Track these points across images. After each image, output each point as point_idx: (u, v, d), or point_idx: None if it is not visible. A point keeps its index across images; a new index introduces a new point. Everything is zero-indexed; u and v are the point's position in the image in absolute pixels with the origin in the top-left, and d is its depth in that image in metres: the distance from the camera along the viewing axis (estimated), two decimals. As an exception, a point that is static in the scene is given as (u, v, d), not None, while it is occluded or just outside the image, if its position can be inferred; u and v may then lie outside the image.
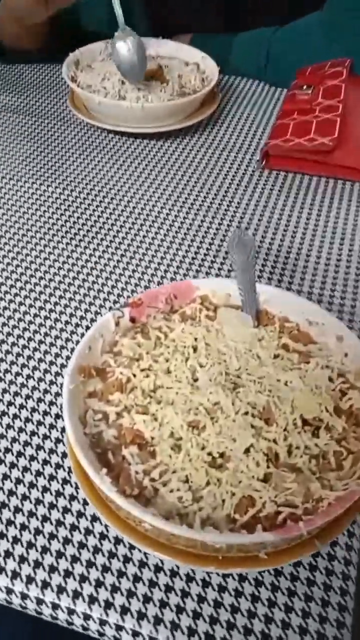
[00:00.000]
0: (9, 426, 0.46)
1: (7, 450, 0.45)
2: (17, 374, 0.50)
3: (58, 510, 0.42)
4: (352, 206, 0.68)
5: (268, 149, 0.72)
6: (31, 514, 0.41)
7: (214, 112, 0.81)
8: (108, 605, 0.37)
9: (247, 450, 0.39)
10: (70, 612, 0.38)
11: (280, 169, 0.73)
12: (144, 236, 0.64)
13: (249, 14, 0.94)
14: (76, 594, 0.38)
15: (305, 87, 0.79)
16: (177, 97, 0.75)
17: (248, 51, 0.89)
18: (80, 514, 0.41)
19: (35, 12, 0.80)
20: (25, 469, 0.44)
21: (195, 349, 0.45)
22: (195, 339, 0.46)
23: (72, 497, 0.42)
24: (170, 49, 0.86)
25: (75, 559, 0.39)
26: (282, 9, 0.91)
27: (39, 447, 0.45)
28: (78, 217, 0.66)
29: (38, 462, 0.44)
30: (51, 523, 0.41)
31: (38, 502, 0.42)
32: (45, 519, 0.41)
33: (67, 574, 0.39)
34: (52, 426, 0.47)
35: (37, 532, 0.41)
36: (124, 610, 0.37)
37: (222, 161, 0.75)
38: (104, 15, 0.79)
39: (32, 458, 0.44)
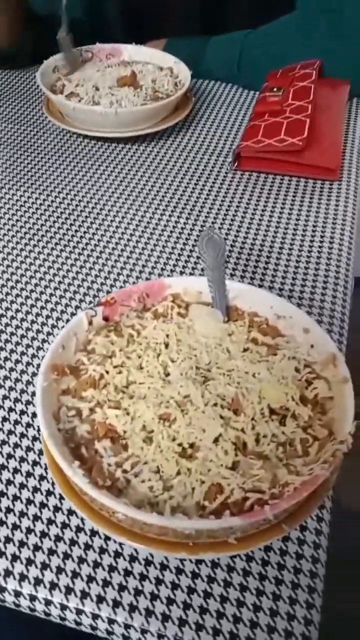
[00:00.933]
0: (-14, 426, 0.48)
1: (-15, 449, 0.46)
2: (-5, 375, 0.51)
3: (35, 506, 0.43)
4: (322, 204, 0.69)
5: (240, 151, 0.74)
6: (9, 510, 0.42)
7: (188, 115, 0.82)
8: (84, 595, 0.38)
9: (216, 440, 0.40)
10: (48, 602, 0.39)
11: (252, 170, 0.75)
12: (119, 238, 0.65)
13: (225, 18, 0.96)
14: (53, 586, 0.39)
15: (275, 89, 0.81)
16: (150, 102, 0.77)
17: (221, 54, 0.91)
18: (57, 509, 0.42)
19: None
20: (3, 467, 0.45)
21: (167, 345, 0.47)
22: (167, 336, 0.47)
23: (49, 493, 0.43)
24: (144, 55, 0.87)
25: (52, 552, 0.40)
26: (256, 13, 0.93)
27: (16, 445, 0.46)
28: (54, 221, 0.68)
29: (15, 459, 0.45)
30: (28, 518, 0.42)
31: (15, 498, 0.43)
32: (22, 514, 0.42)
33: (44, 566, 0.40)
34: (29, 425, 0.48)
35: (15, 527, 0.41)
36: (100, 599, 0.38)
37: (196, 163, 0.76)
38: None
39: (10, 456, 0.45)
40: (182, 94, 0.78)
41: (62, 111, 0.80)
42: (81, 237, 0.65)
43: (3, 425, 0.47)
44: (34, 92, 0.91)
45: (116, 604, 0.38)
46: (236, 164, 0.75)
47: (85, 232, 0.66)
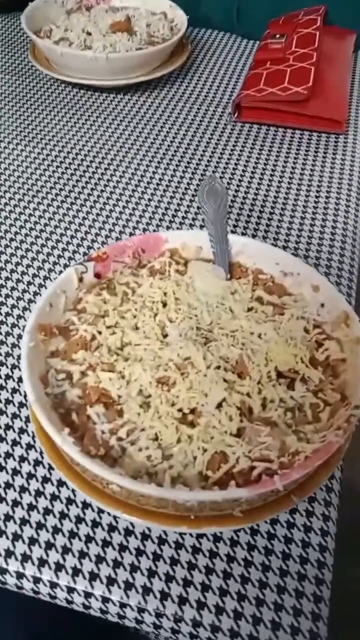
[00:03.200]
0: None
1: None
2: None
3: (22, 477, 0.39)
4: (328, 157, 0.65)
5: (240, 100, 0.69)
6: (-6, 481, 0.39)
7: (184, 64, 0.77)
8: (76, 572, 0.35)
9: (219, 405, 0.37)
10: (36, 580, 0.36)
11: (253, 121, 0.70)
12: (112, 190, 0.61)
13: None
14: (42, 562, 0.36)
15: (278, 36, 0.76)
16: (145, 47, 0.71)
17: (218, 0, 0.85)
18: (45, 479, 0.39)
19: None
20: (-13, 435, 0.41)
21: (164, 304, 0.43)
22: (165, 294, 0.43)
23: (37, 462, 0.40)
24: (135, 0, 0.81)
25: (40, 526, 0.37)
26: None
27: (0, 412, 0.43)
28: (41, 173, 0.63)
29: (0, 427, 0.42)
30: (14, 490, 0.39)
31: (0, 468, 0.40)
32: (8, 485, 0.39)
33: (32, 541, 0.36)
34: (14, 390, 0.44)
35: (0, 499, 0.38)
36: (93, 577, 0.35)
37: (193, 113, 0.71)
38: None
39: (-5, 423, 0.42)
40: (178, 38, 0.73)
41: (49, 58, 0.74)
42: (71, 189, 0.61)
43: (-13, 390, 0.44)
44: (18, 37, 0.85)
45: (111, 581, 0.35)
46: (236, 114, 0.70)
47: (76, 184, 0.62)
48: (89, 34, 0.73)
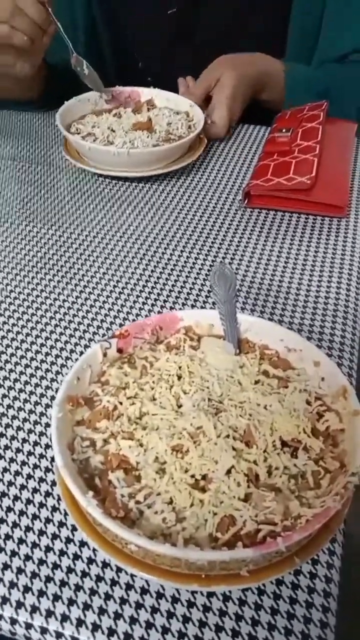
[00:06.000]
0: None
1: (-1, 479, 0.46)
2: (9, 406, 0.52)
3: (47, 537, 0.43)
4: (330, 240, 0.71)
5: (249, 189, 0.76)
6: (21, 541, 0.43)
7: (200, 157, 0.84)
8: (95, 627, 0.38)
9: (228, 472, 0.40)
10: (59, 635, 0.38)
11: (261, 207, 0.76)
12: (132, 272, 0.67)
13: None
14: (64, 618, 0.39)
15: (284, 130, 0.83)
16: (162, 143, 0.80)
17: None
18: (69, 540, 0.43)
19: (22, 64, 0.84)
20: (16, 498, 0.45)
21: (179, 377, 0.47)
22: (180, 368, 0.48)
23: (61, 524, 0.44)
24: (161, 99, 0.91)
25: (63, 583, 0.40)
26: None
27: (29, 476, 0.47)
28: (69, 256, 0.69)
29: (28, 490, 0.46)
30: (40, 549, 0.42)
31: (28, 529, 0.43)
32: (34, 545, 0.42)
33: (56, 597, 0.40)
34: (42, 456, 0.48)
35: (27, 558, 0.42)
36: (111, 632, 0.38)
37: (207, 201, 0.78)
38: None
39: (23, 487, 0.46)
40: (194, 136, 0.81)
41: (79, 151, 0.83)
42: (95, 271, 0.67)
43: (17, 456, 0.48)
44: (50, 132, 0.94)
45: (127, 636, 0.38)
46: (246, 201, 0.77)
47: (99, 267, 0.68)
48: (112, 131, 0.82)
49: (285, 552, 0.37)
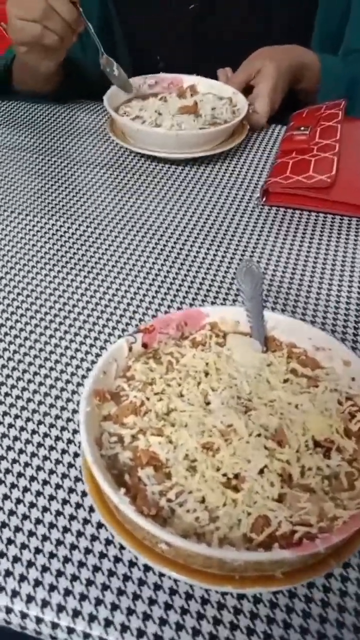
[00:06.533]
0: (21, 451, 0.47)
1: (20, 474, 0.45)
2: (29, 399, 0.51)
3: (72, 534, 0.42)
4: (350, 239, 0.70)
5: (268, 187, 0.75)
6: (45, 538, 0.41)
7: (242, 142, 0.87)
8: (124, 628, 0.37)
9: (261, 471, 0.39)
10: (86, 636, 0.37)
11: (279, 205, 0.76)
12: (154, 264, 0.66)
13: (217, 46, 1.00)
14: (92, 618, 0.38)
15: (302, 128, 0.83)
16: (208, 127, 0.81)
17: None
18: (94, 538, 0.42)
19: (47, 62, 0.84)
20: (39, 494, 0.44)
21: (206, 374, 0.46)
22: (207, 364, 0.47)
23: (86, 521, 0.42)
24: (204, 85, 0.92)
25: (90, 583, 0.39)
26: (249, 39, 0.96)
27: (51, 472, 0.45)
28: (90, 245, 0.68)
29: (51, 486, 0.44)
30: (65, 547, 0.41)
31: (52, 525, 0.42)
32: (59, 542, 0.41)
33: (83, 597, 0.39)
34: (64, 451, 0.47)
35: (52, 555, 0.41)
36: (140, 634, 0.37)
37: (223, 199, 0.77)
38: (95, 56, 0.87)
39: (45, 482, 0.45)
40: (240, 120, 0.83)
41: (125, 132, 0.85)
42: (116, 261, 0.67)
43: (38, 450, 0.47)
44: (67, 124, 0.93)
45: (157, 638, 0.37)
46: (264, 199, 0.76)
47: (120, 256, 0.67)
48: (159, 114, 0.83)
49: (321, 554, 0.36)
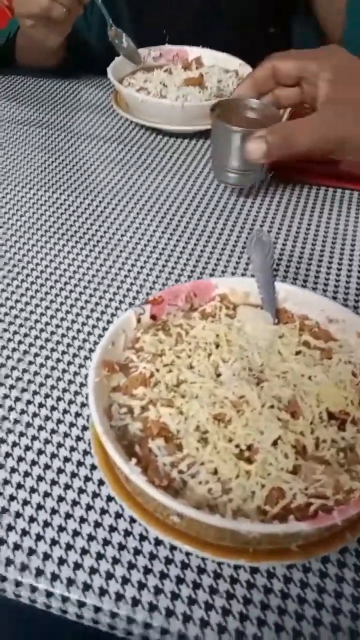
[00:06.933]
0: (28, 424, 0.46)
1: (28, 448, 0.44)
2: (36, 372, 0.50)
3: (81, 507, 0.41)
4: (362, 212, 0.69)
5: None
6: (54, 511, 0.41)
7: None
8: (135, 602, 0.37)
9: (274, 443, 0.38)
10: (97, 610, 0.37)
11: (288, 180, 0.74)
12: (161, 237, 0.64)
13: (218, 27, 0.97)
14: (102, 592, 0.37)
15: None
16: (214, 99, 0.79)
17: None
18: (104, 511, 0.41)
19: (54, 36, 0.83)
20: (47, 467, 0.43)
21: (217, 345, 0.45)
22: (217, 336, 0.46)
23: (95, 495, 0.42)
24: (209, 57, 0.90)
25: (100, 556, 0.38)
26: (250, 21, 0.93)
27: (59, 445, 0.45)
28: (95, 219, 0.67)
29: (59, 459, 0.44)
30: (75, 520, 0.40)
31: (60, 499, 0.41)
32: (68, 516, 0.40)
33: (93, 571, 0.38)
34: (72, 424, 0.46)
35: (61, 529, 0.40)
36: (152, 608, 0.36)
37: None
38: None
39: (54, 455, 0.44)
40: None
41: (129, 104, 0.83)
42: (125, 231, 0.66)
43: (45, 424, 0.46)
44: (71, 98, 0.91)
45: (169, 612, 0.36)
46: (272, 173, 0.74)
47: (129, 226, 0.66)
48: (165, 85, 0.82)
49: (338, 527, 0.35)
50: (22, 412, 0.47)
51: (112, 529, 0.40)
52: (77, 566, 0.38)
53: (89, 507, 0.41)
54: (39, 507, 0.41)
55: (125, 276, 0.60)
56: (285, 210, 0.69)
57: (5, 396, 0.48)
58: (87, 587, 0.37)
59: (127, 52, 0.87)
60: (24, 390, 0.48)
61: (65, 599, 0.37)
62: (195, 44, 0.91)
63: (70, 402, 0.48)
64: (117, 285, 0.58)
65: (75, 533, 0.39)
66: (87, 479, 0.42)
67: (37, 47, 0.86)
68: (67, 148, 0.80)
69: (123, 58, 0.88)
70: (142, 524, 0.37)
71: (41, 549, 0.39)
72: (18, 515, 0.40)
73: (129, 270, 0.60)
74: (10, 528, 0.40)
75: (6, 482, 0.42)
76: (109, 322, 0.55)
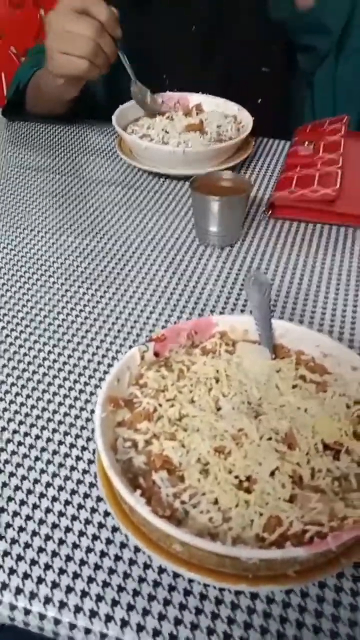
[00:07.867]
0: (37, 458, 0.48)
1: (37, 481, 0.46)
2: (44, 409, 0.52)
3: (87, 538, 0.43)
4: (356, 249, 0.72)
5: (274, 200, 0.76)
6: (61, 542, 0.42)
7: (247, 157, 0.88)
8: (140, 628, 0.38)
9: (272, 473, 0.40)
10: (103, 636, 0.38)
11: (285, 218, 0.77)
12: (163, 276, 0.67)
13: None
14: (108, 618, 0.38)
15: (306, 143, 0.85)
16: (214, 144, 0.84)
17: None
18: (109, 541, 0.42)
19: (74, 90, 0.88)
20: (54, 499, 0.45)
21: (217, 380, 0.48)
22: (217, 371, 0.48)
23: (101, 525, 0.43)
24: (210, 104, 0.95)
25: (106, 584, 0.40)
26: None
27: (66, 478, 0.47)
28: (101, 260, 0.70)
29: (67, 491, 0.46)
30: (81, 550, 0.42)
31: (67, 529, 0.43)
32: (75, 546, 0.42)
33: (99, 598, 0.39)
34: (78, 458, 0.48)
35: (68, 558, 0.41)
36: (156, 633, 0.38)
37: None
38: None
39: (61, 488, 0.46)
40: (244, 137, 0.86)
41: (133, 150, 0.87)
42: (126, 274, 0.69)
43: (53, 458, 0.48)
44: (78, 144, 0.96)
45: (172, 638, 0.38)
46: (270, 212, 0.77)
47: (130, 269, 0.69)
48: (166, 132, 0.86)
49: (333, 552, 0.37)
50: (31, 446, 0.49)
51: (117, 558, 0.42)
52: (84, 594, 0.40)
53: (95, 538, 0.43)
54: (47, 537, 0.43)
55: (130, 314, 0.62)
56: (282, 249, 0.72)
57: (15, 431, 0.50)
58: (93, 614, 0.39)
59: (149, 107, 0.92)
60: (32, 425, 0.51)
61: (72, 626, 0.38)
62: (191, 87, 0.96)
63: (77, 436, 0.50)
64: (122, 323, 0.61)
65: (82, 562, 0.41)
66: (93, 510, 0.44)
67: (52, 99, 0.91)
68: (74, 192, 0.84)
69: (127, 107, 0.92)
70: (147, 552, 0.38)
71: (50, 578, 0.40)
72: (27, 545, 0.42)
73: (133, 309, 0.63)
74: (20, 558, 0.42)
75: (16, 514, 0.44)
76: (113, 358, 0.57)
